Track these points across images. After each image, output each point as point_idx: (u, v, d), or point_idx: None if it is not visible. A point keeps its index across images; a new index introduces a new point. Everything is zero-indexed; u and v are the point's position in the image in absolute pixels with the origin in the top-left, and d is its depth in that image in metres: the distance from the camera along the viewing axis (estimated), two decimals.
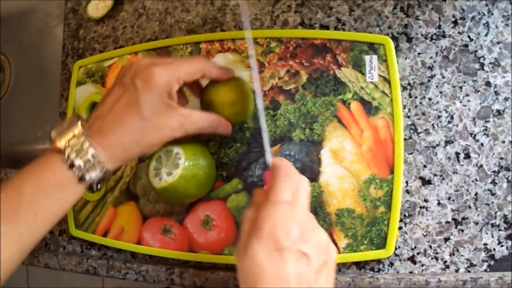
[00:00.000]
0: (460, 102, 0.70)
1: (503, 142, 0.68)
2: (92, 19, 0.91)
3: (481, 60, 0.70)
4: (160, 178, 0.69)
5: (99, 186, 0.64)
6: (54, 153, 0.63)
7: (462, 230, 0.69)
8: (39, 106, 1.10)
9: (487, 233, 0.68)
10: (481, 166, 0.69)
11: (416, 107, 0.71)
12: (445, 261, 0.69)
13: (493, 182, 0.68)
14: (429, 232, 0.70)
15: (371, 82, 0.71)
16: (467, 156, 0.69)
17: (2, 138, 1.14)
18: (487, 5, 0.70)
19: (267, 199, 0.57)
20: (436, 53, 0.71)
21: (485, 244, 0.68)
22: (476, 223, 0.68)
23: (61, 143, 0.62)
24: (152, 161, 0.71)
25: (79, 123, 0.64)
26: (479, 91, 0.69)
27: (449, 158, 0.70)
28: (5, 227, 0.59)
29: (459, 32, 0.71)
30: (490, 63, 0.70)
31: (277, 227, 0.54)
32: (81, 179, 0.62)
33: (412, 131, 0.71)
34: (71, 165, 0.61)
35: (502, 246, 0.68)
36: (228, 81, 0.70)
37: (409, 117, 0.71)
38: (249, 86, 0.73)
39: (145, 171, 0.75)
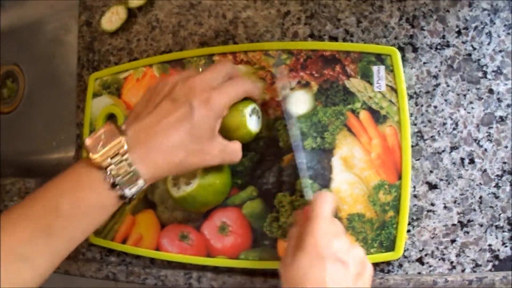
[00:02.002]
0: (464, 109, 0.76)
1: (506, 147, 0.74)
2: (106, 32, 0.98)
3: (484, 69, 0.76)
4: (179, 188, 0.76)
5: (134, 198, 0.66)
6: (92, 169, 0.63)
7: (468, 232, 0.75)
8: (53, 116, 1.18)
9: (491, 235, 0.74)
10: (485, 170, 0.75)
11: (422, 115, 0.77)
12: (452, 262, 0.75)
13: (497, 186, 0.74)
14: (436, 234, 0.76)
15: (379, 92, 0.77)
16: (472, 161, 0.75)
17: (17, 148, 1.22)
18: (489, 15, 0.76)
19: (310, 216, 0.66)
20: (441, 62, 0.77)
21: (489, 245, 0.74)
22: (481, 225, 0.74)
23: (103, 161, 0.63)
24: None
25: (123, 139, 0.64)
26: (482, 98, 0.75)
27: (454, 163, 0.76)
28: (38, 238, 0.62)
29: (462, 42, 0.77)
30: (493, 71, 0.75)
31: (318, 239, 0.63)
32: (122, 197, 0.64)
33: (418, 138, 0.77)
34: (113, 185, 0.63)
35: (506, 246, 0.73)
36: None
37: (415, 124, 0.77)
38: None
39: (163, 181, 0.82)
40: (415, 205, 0.77)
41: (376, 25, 0.81)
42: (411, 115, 0.78)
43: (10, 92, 1.23)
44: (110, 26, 0.97)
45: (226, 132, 0.73)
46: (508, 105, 0.75)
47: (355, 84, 0.79)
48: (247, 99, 0.75)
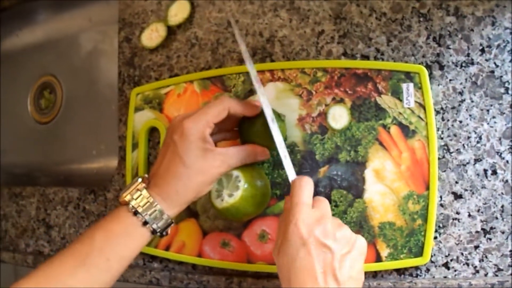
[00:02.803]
0: (488, 123, 0.86)
1: None
2: (146, 48, 1.11)
3: (506, 85, 0.85)
4: (222, 199, 0.87)
5: (165, 232, 0.84)
6: (121, 206, 0.83)
7: (490, 239, 0.85)
8: (92, 126, 1.28)
9: None
10: (507, 181, 0.85)
11: (448, 129, 0.88)
12: (475, 267, 0.85)
13: None
14: (461, 241, 0.86)
15: (408, 108, 0.89)
16: (494, 172, 0.85)
17: (56, 157, 1.33)
18: (511, 33, 0.86)
19: (291, 204, 0.76)
20: (466, 79, 0.87)
21: (510, 251, 0.84)
22: (503, 232, 0.84)
23: (126, 197, 0.82)
24: (214, 184, 0.88)
25: (140, 179, 0.83)
26: (504, 113, 0.85)
27: (478, 174, 0.86)
28: (78, 269, 0.78)
29: (486, 59, 0.87)
30: None
31: (300, 227, 0.73)
32: (145, 223, 0.81)
33: (445, 151, 0.88)
34: (135, 213, 0.81)
35: None
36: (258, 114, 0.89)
37: (442, 138, 0.88)
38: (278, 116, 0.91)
39: (208, 194, 0.92)
40: (441, 213, 0.87)
41: (405, 44, 0.92)
42: (438, 129, 0.88)
43: (47, 103, 1.34)
44: (150, 43, 1.11)
45: (255, 142, 0.90)
46: None
47: (386, 100, 0.91)
48: (280, 115, 0.91)
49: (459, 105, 0.88)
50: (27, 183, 1.25)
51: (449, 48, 0.90)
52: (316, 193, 0.90)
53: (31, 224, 1.25)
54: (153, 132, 1.10)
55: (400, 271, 0.90)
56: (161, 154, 0.85)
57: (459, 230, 0.87)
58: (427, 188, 0.87)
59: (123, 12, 1.17)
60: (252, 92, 1.00)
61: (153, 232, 0.83)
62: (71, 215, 1.20)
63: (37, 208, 1.24)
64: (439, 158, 0.88)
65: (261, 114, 0.88)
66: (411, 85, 0.90)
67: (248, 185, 0.87)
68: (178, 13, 1.09)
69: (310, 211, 0.75)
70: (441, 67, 0.90)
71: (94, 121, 1.30)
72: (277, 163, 0.97)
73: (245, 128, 0.91)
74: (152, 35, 1.11)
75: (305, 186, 0.78)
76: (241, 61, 1.03)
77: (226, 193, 0.87)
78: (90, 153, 1.29)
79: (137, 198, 0.81)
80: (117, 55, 1.16)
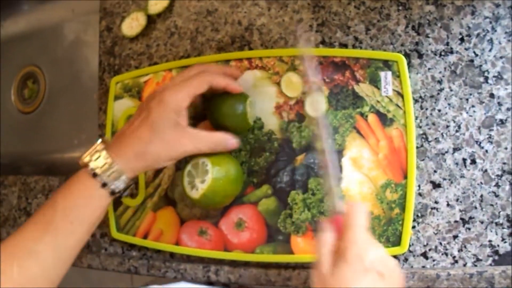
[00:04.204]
0: (467, 112, 0.81)
1: (506, 148, 0.79)
2: (127, 37, 1.06)
3: (486, 74, 0.81)
4: (197, 189, 0.83)
5: (125, 193, 0.81)
6: (81, 169, 0.79)
7: (469, 229, 0.80)
8: (74, 116, 1.23)
9: (491, 231, 0.79)
10: (486, 170, 0.80)
11: (427, 118, 0.83)
12: (454, 257, 0.80)
13: (497, 185, 0.79)
14: (440, 230, 0.81)
15: (386, 96, 0.84)
16: (473, 161, 0.80)
17: (39, 146, 1.28)
18: (490, 22, 0.81)
19: (348, 225, 0.67)
20: (445, 68, 0.82)
21: (490, 241, 0.79)
22: (482, 222, 0.79)
23: (85, 158, 0.79)
24: (185, 177, 0.84)
25: (99, 140, 0.81)
26: (483, 102, 0.80)
27: (457, 163, 0.81)
28: (43, 237, 0.75)
29: (465, 48, 0.82)
30: (494, 76, 0.80)
31: (361, 249, 0.64)
32: (104, 185, 0.78)
33: (423, 140, 0.83)
34: (94, 175, 0.77)
35: (505, 242, 0.78)
36: (228, 94, 0.85)
37: (420, 127, 0.83)
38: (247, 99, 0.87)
39: (182, 188, 0.87)
40: (419, 202, 0.82)
41: (383, 33, 0.87)
42: (416, 118, 0.83)
43: (31, 93, 1.29)
44: (130, 32, 1.05)
45: (224, 125, 0.86)
46: (508, 109, 0.80)
47: (363, 88, 0.85)
48: (243, 94, 0.87)
49: (438, 93, 0.83)
50: (11, 173, 1.19)
51: (428, 37, 0.85)
52: (293, 181, 0.87)
53: (12, 213, 1.19)
54: None
55: None
56: (130, 120, 0.83)
57: (437, 219, 0.82)
58: (405, 177, 0.82)
59: (104, 1, 1.12)
60: None
61: (112, 193, 0.80)
62: None
63: (19, 197, 1.18)
64: (417, 147, 0.83)
65: (233, 95, 0.85)
66: (389, 73, 0.84)
67: (217, 166, 0.84)
68: (158, 2, 1.02)
69: (367, 235, 0.67)
70: (420, 56, 0.85)
71: (76, 110, 1.25)
72: (254, 151, 0.91)
73: (216, 108, 0.87)
74: (133, 24, 1.05)
75: (363, 210, 0.70)
76: (219, 50, 0.99)
77: (198, 181, 0.84)
78: (72, 142, 1.24)
79: (96, 160, 0.79)
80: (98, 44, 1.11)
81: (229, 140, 0.84)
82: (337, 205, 0.72)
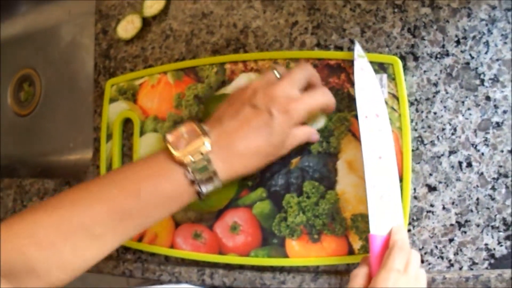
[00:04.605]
0: (463, 115, 0.79)
1: (502, 151, 0.77)
2: (122, 40, 1.04)
3: (482, 76, 0.79)
4: None
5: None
6: (174, 164, 0.69)
7: (465, 232, 0.78)
8: (70, 119, 1.21)
9: (487, 234, 0.77)
10: (482, 173, 0.78)
11: (422, 120, 0.81)
12: (450, 260, 0.79)
13: (493, 188, 0.77)
14: (435, 234, 0.79)
15: None
16: (469, 164, 0.78)
17: (34, 149, 1.26)
18: (487, 25, 0.79)
19: (382, 265, 0.67)
20: (440, 70, 0.81)
21: (486, 244, 0.77)
22: (478, 225, 0.78)
23: (185, 158, 0.69)
24: None
25: (206, 141, 0.70)
26: (479, 105, 0.78)
27: (452, 166, 0.79)
28: (113, 222, 0.67)
29: (461, 51, 0.80)
30: (490, 79, 0.78)
31: None
32: (198, 193, 0.71)
33: (419, 143, 0.81)
34: (192, 182, 0.69)
35: (501, 246, 0.77)
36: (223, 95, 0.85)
37: (416, 130, 0.81)
38: None
39: None
40: (415, 206, 0.80)
41: (379, 35, 0.85)
42: (411, 121, 0.81)
43: (27, 95, 1.27)
44: (125, 34, 1.03)
45: None
46: (504, 112, 0.78)
47: None
48: None
49: (434, 96, 0.82)
50: (6, 175, 1.18)
51: (424, 39, 0.83)
52: (288, 185, 0.85)
53: (7, 216, 1.17)
54: (127, 123, 1.02)
55: None
56: (241, 115, 0.73)
57: (433, 223, 0.80)
58: (401, 179, 0.80)
59: (100, 3, 1.10)
60: (224, 83, 0.92)
61: (199, 195, 0.72)
62: None
63: (14, 200, 1.16)
64: (413, 150, 0.82)
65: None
66: (384, 76, 0.83)
67: None
68: (153, 3, 1.00)
69: (400, 279, 0.66)
70: (416, 58, 0.83)
71: (72, 113, 1.23)
72: None
73: (212, 111, 0.83)
74: (128, 27, 1.03)
75: (402, 251, 0.69)
76: (214, 52, 0.96)
77: None
78: (67, 145, 1.22)
79: (198, 165, 0.69)
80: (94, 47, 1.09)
81: (314, 135, 0.82)
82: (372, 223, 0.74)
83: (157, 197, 0.69)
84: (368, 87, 0.80)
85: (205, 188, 0.71)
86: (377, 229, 0.75)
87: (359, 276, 0.71)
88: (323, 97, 0.79)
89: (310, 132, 0.81)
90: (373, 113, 0.79)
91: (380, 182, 0.77)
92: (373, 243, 0.73)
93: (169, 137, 0.71)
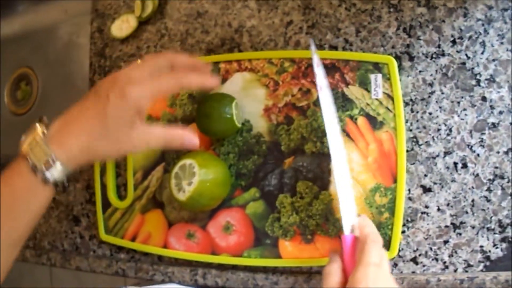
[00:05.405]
0: (458, 116, 0.77)
1: (498, 152, 0.75)
2: (117, 39, 1.01)
3: (478, 77, 0.77)
4: (184, 191, 0.79)
5: (66, 185, 0.69)
6: (19, 158, 0.67)
7: (460, 234, 0.76)
8: None
9: (483, 236, 0.75)
10: (477, 175, 0.76)
11: (417, 121, 0.79)
12: (445, 262, 0.76)
13: (489, 190, 0.75)
14: (430, 235, 0.77)
15: (376, 99, 0.79)
16: (465, 165, 0.76)
17: None
18: (483, 25, 0.77)
19: (359, 261, 0.64)
20: (436, 70, 0.79)
21: (481, 246, 0.75)
22: (473, 227, 0.76)
23: (24, 148, 0.67)
24: (172, 179, 0.80)
25: (38, 125, 0.68)
26: (475, 105, 0.76)
27: (448, 167, 0.77)
28: None
29: (457, 51, 0.78)
30: (486, 79, 0.76)
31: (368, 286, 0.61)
32: (45, 180, 0.66)
33: (414, 143, 0.79)
34: (34, 168, 0.66)
35: (497, 248, 0.75)
36: (216, 94, 0.83)
37: (411, 130, 0.79)
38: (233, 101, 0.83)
39: (169, 189, 0.83)
40: (409, 207, 0.78)
41: (374, 35, 0.82)
42: (406, 121, 0.79)
43: (24, 94, 1.24)
44: (120, 33, 1.00)
45: (210, 127, 0.83)
46: (500, 112, 0.76)
47: (353, 91, 0.81)
48: (228, 97, 0.83)
49: (429, 96, 0.79)
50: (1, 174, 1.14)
51: (420, 39, 0.80)
52: (282, 185, 0.83)
53: None
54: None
55: None
56: (83, 103, 0.70)
57: (428, 224, 0.78)
58: (395, 180, 0.78)
59: (96, 3, 1.07)
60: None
61: (55, 185, 0.68)
62: None
63: None
64: (407, 151, 0.79)
65: (219, 98, 0.84)
66: (379, 76, 0.80)
67: (204, 168, 0.80)
68: (145, 4, 0.98)
69: (378, 273, 0.63)
70: (411, 58, 0.81)
71: None
72: (243, 153, 0.87)
73: (201, 111, 0.84)
74: (123, 26, 1.00)
75: (375, 244, 0.66)
76: (208, 52, 0.94)
77: (185, 183, 0.79)
78: None
79: (36, 153, 0.66)
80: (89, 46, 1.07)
81: (185, 137, 0.72)
82: (348, 225, 0.71)
83: (13, 196, 0.67)
84: (321, 76, 0.79)
85: (49, 174, 0.66)
86: (346, 229, 0.71)
87: (332, 274, 0.67)
88: (171, 81, 0.70)
89: (179, 135, 0.72)
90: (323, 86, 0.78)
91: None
92: (346, 243, 0.69)
93: (23, 137, 0.69)
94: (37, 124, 0.69)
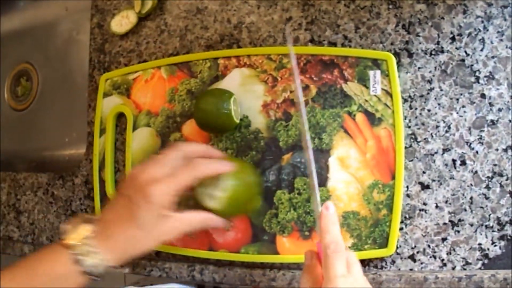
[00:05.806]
0: (457, 113, 0.76)
1: (497, 150, 0.74)
2: (116, 35, 1.00)
3: (477, 74, 0.76)
4: (214, 199, 0.75)
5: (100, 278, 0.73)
6: (62, 248, 0.71)
7: (458, 231, 0.75)
8: (66, 114, 1.19)
9: (481, 234, 0.74)
10: (476, 172, 0.75)
11: (416, 118, 0.78)
12: (443, 260, 0.75)
13: (487, 187, 0.74)
14: (428, 232, 0.76)
15: (375, 95, 0.78)
16: (463, 163, 0.75)
17: (30, 144, 1.23)
18: (482, 21, 0.76)
19: (325, 276, 0.61)
20: (435, 67, 0.78)
21: (479, 244, 0.74)
22: (471, 225, 0.75)
23: (71, 242, 0.71)
24: (202, 189, 0.76)
25: (89, 227, 0.72)
26: (474, 102, 0.75)
27: (446, 164, 0.76)
28: None
29: (456, 48, 0.77)
30: (485, 76, 0.75)
31: None
32: (86, 273, 0.70)
33: (412, 140, 0.78)
34: (77, 261, 0.70)
35: (495, 246, 0.73)
36: (214, 90, 0.83)
37: (409, 127, 0.78)
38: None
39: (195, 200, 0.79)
40: (407, 204, 0.77)
41: (373, 31, 0.81)
42: (405, 118, 0.78)
43: (24, 90, 1.24)
44: (119, 29, 0.99)
45: (208, 123, 0.82)
46: (499, 109, 0.75)
47: (352, 87, 0.80)
48: (227, 92, 0.82)
49: (428, 93, 0.78)
50: (1, 169, 1.14)
51: (419, 36, 0.79)
52: (279, 181, 0.81)
53: (1, 209, 1.14)
54: (120, 117, 0.98)
55: (364, 262, 0.79)
56: (116, 205, 0.75)
57: (426, 221, 0.77)
58: (393, 177, 0.77)
59: None
60: (217, 78, 0.89)
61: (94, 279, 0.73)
62: (40, 200, 1.08)
63: (8, 193, 1.13)
64: (406, 147, 0.78)
65: (217, 94, 0.84)
66: (378, 72, 0.79)
67: (235, 178, 0.77)
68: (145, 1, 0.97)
69: (346, 284, 0.60)
70: (410, 55, 0.79)
71: (68, 108, 1.20)
72: (241, 149, 0.86)
73: (200, 107, 0.83)
74: (122, 22, 0.99)
75: (337, 255, 0.62)
76: (207, 47, 0.93)
77: (215, 191, 0.76)
78: (63, 140, 1.19)
79: (83, 247, 0.71)
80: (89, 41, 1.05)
81: (212, 220, 0.76)
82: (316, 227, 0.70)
83: (49, 277, 0.71)
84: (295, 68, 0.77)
85: (93, 268, 0.71)
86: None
87: (303, 283, 0.65)
88: (191, 172, 0.74)
89: (206, 219, 0.76)
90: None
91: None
92: (319, 250, 0.64)
93: (64, 227, 0.74)
94: (88, 225, 0.73)
